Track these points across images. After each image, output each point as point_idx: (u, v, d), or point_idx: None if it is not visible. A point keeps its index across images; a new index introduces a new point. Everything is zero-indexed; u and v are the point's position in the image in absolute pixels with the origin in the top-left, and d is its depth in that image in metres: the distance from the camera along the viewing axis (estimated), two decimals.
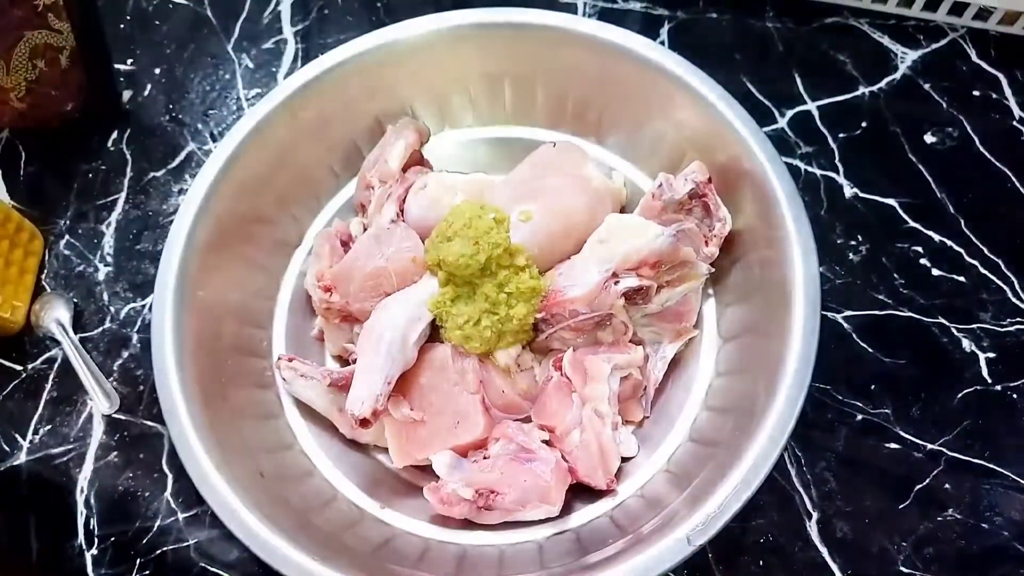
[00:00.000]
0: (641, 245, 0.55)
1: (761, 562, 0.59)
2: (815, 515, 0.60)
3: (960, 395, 0.62)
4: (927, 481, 0.60)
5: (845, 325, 0.65)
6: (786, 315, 0.52)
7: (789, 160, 0.72)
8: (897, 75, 0.75)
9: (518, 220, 0.58)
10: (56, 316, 0.70)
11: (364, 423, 0.54)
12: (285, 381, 0.60)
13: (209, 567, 0.61)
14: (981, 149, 0.71)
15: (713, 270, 0.59)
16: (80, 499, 0.64)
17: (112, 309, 0.72)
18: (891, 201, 0.70)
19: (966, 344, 0.64)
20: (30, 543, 0.63)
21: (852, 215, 0.69)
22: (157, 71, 0.83)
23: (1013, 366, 0.63)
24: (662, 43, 0.78)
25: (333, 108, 0.65)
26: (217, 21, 0.85)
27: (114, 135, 0.80)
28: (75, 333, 0.70)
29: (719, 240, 0.58)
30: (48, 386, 0.69)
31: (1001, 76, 0.74)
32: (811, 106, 0.75)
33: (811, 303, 0.52)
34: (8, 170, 0.79)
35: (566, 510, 0.55)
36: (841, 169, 0.71)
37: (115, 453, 0.66)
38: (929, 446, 0.61)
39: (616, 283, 0.55)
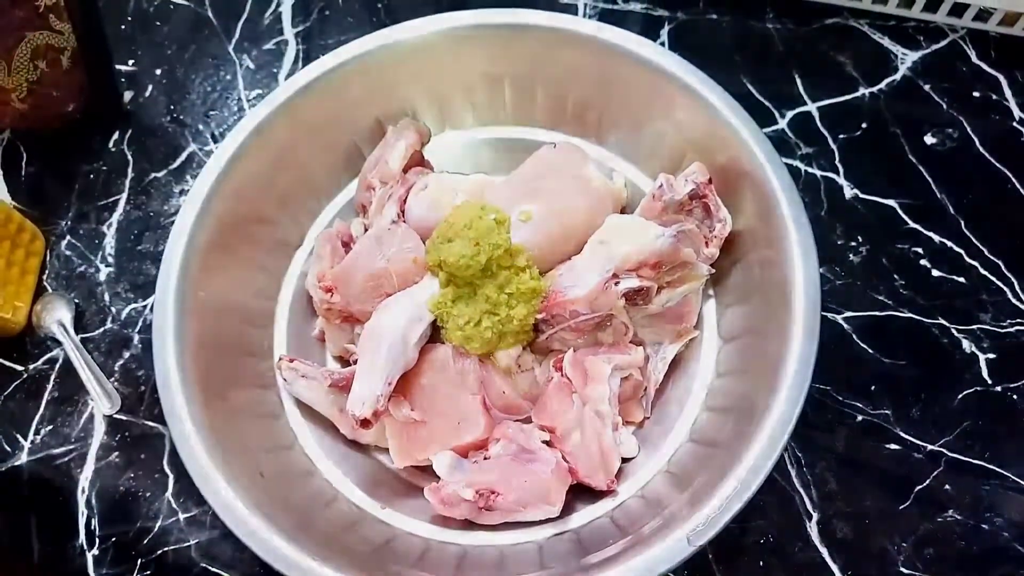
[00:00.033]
0: (641, 246, 0.55)
1: (761, 562, 0.59)
2: (815, 515, 0.60)
3: (960, 396, 0.63)
4: (927, 482, 0.60)
5: (845, 326, 0.65)
6: (786, 316, 0.52)
7: (789, 161, 0.72)
8: (897, 76, 0.75)
9: (519, 221, 0.58)
10: (57, 317, 0.70)
11: (365, 424, 0.54)
12: (286, 381, 0.60)
13: (210, 567, 0.61)
14: (981, 150, 0.71)
15: (713, 271, 0.59)
16: (81, 499, 0.64)
17: (113, 310, 0.72)
18: (891, 202, 0.70)
19: (966, 345, 0.64)
20: (31, 543, 0.63)
21: (852, 216, 0.69)
22: (158, 72, 0.83)
23: (1013, 367, 0.63)
24: (662, 44, 0.78)
25: (334, 109, 0.66)
26: (218, 22, 0.86)
27: (115, 136, 0.80)
28: (76, 333, 0.70)
29: (719, 241, 0.58)
30: (49, 386, 0.69)
31: (1001, 77, 0.74)
32: (811, 107, 0.75)
33: (811, 304, 0.52)
34: (9, 171, 0.79)
35: (566, 511, 0.55)
36: (841, 170, 0.71)
37: (116, 453, 0.66)
38: (929, 447, 0.61)
39: (616, 284, 0.55)
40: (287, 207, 0.66)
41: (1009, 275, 0.66)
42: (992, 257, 0.67)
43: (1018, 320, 0.65)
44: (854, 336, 0.65)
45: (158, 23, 0.86)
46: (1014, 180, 0.70)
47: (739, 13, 0.80)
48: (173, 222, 0.60)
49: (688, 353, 0.61)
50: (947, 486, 0.60)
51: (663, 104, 0.62)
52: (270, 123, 0.63)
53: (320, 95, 0.64)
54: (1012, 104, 0.73)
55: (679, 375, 0.60)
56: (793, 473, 0.61)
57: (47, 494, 0.65)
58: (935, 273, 0.67)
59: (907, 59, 0.76)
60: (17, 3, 0.68)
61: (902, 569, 0.58)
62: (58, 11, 0.72)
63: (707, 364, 0.60)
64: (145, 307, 0.72)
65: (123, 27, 0.86)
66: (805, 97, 0.75)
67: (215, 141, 0.79)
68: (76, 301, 0.72)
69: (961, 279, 0.66)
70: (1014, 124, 0.72)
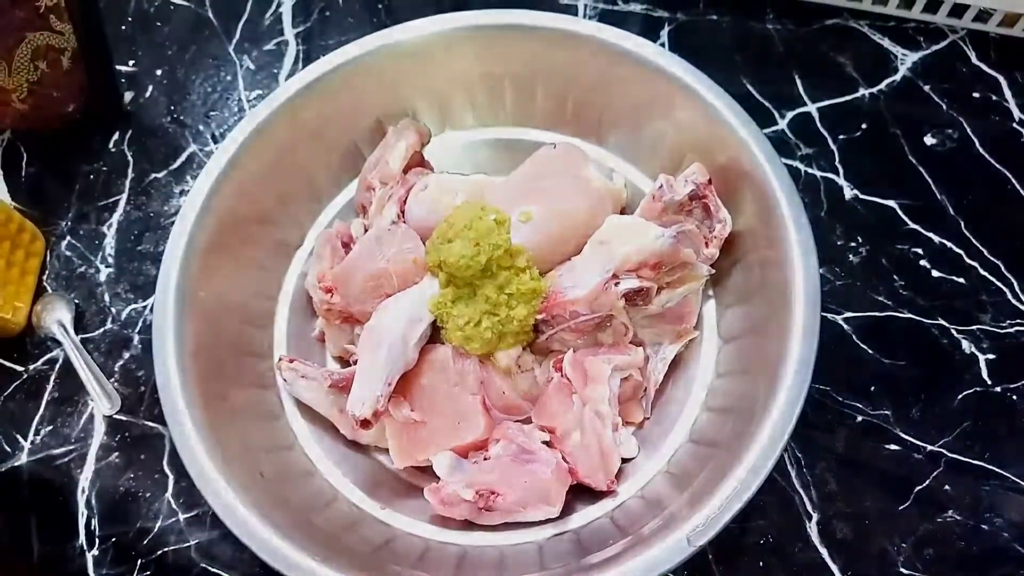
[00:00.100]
0: (641, 246, 0.55)
1: (761, 563, 0.59)
2: (815, 516, 0.60)
3: (960, 396, 0.63)
4: (927, 482, 0.60)
5: (845, 326, 0.65)
6: (786, 316, 0.52)
7: (789, 161, 0.72)
8: (897, 77, 0.75)
9: (519, 221, 0.58)
10: (57, 317, 0.70)
11: (365, 424, 0.54)
12: (286, 382, 0.60)
13: (210, 567, 0.61)
14: (981, 151, 0.71)
15: (713, 271, 0.59)
16: (81, 500, 0.64)
17: (113, 310, 0.72)
18: (891, 202, 0.70)
19: (966, 346, 0.64)
20: (31, 544, 0.63)
21: (852, 216, 0.70)
22: (158, 72, 0.83)
23: (1013, 368, 0.63)
24: (662, 45, 0.78)
25: (334, 110, 0.66)
26: (218, 23, 0.86)
27: (115, 136, 0.80)
28: (76, 334, 0.70)
29: (719, 241, 0.58)
30: (49, 387, 0.69)
31: (1001, 78, 0.74)
32: (811, 108, 0.75)
33: (811, 304, 0.52)
34: (10, 171, 0.79)
35: (566, 511, 0.55)
36: (841, 170, 0.72)
37: (116, 454, 0.66)
38: (929, 447, 0.61)
39: (616, 284, 0.55)
40: (287, 207, 0.66)
41: (1009, 276, 0.66)
42: (992, 258, 0.67)
43: (1018, 321, 0.65)
44: (854, 336, 0.65)
45: (158, 24, 0.86)
46: (1014, 181, 0.70)
47: (739, 14, 0.80)
48: (173, 222, 0.60)
49: (688, 354, 0.61)
50: (947, 486, 0.60)
51: (663, 105, 0.62)
52: (270, 124, 0.63)
53: (320, 96, 0.64)
54: (1012, 105, 0.73)
55: (679, 375, 0.60)
56: (793, 473, 0.61)
57: (47, 494, 0.65)
58: (935, 274, 0.67)
59: (907, 60, 0.76)
60: (18, 3, 0.68)
61: (902, 570, 0.58)
62: (59, 12, 0.72)
63: (707, 364, 0.60)
64: (145, 307, 0.72)
65: (123, 27, 0.86)
66: (805, 98, 0.75)
67: (215, 142, 0.79)
68: (76, 301, 0.72)
69: (961, 280, 0.66)
70: (1014, 125, 0.72)
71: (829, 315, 0.65)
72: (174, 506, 0.63)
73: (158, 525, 0.63)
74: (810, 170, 0.72)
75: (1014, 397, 0.62)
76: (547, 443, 0.56)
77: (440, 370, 0.57)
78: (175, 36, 0.85)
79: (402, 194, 0.63)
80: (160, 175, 0.78)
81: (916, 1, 0.75)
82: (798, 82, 0.76)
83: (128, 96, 0.82)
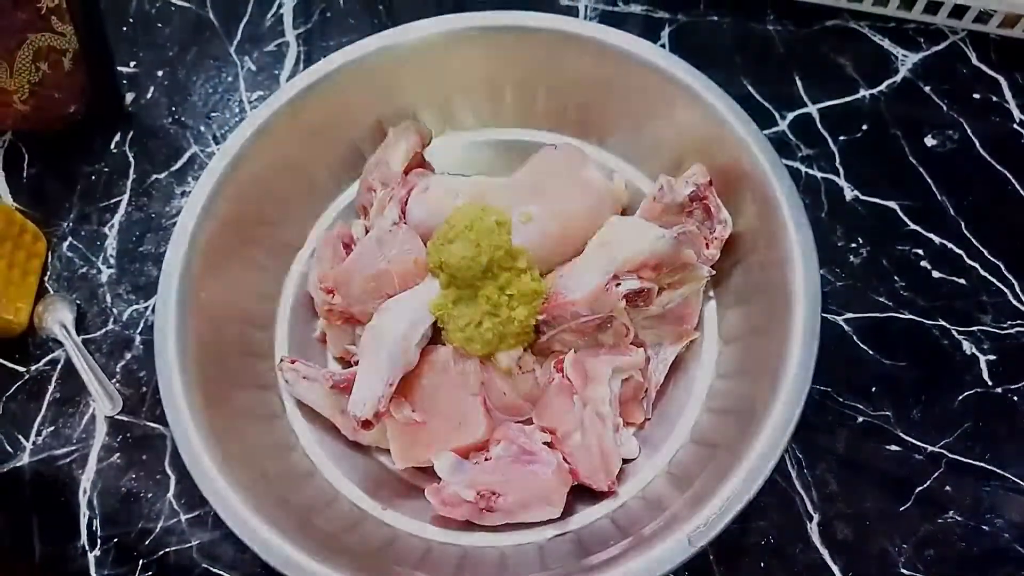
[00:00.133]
0: (642, 247, 0.55)
1: (762, 564, 0.59)
2: (816, 517, 0.60)
3: (960, 397, 0.63)
4: (928, 483, 0.60)
5: (846, 327, 0.65)
6: (787, 317, 0.53)
7: (790, 162, 0.72)
8: (897, 78, 0.75)
9: (519, 222, 0.58)
10: (59, 318, 0.71)
11: (366, 425, 0.54)
12: (287, 383, 0.61)
13: (211, 568, 0.61)
14: (981, 152, 0.71)
15: (714, 272, 0.59)
16: (83, 500, 0.64)
17: (115, 311, 0.72)
18: (891, 203, 0.70)
19: (966, 346, 0.64)
20: (33, 544, 0.63)
21: (853, 217, 0.70)
22: (160, 73, 0.83)
23: (1013, 368, 0.63)
24: (663, 46, 0.78)
25: (335, 111, 0.66)
26: (219, 24, 0.86)
27: (117, 137, 0.80)
28: (78, 335, 0.70)
29: (720, 242, 0.58)
30: (51, 388, 0.69)
31: (1001, 79, 0.74)
32: (812, 109, 0.75)
33: (812, 305, 0.52)
34: (11, 172, 0.79)
35: (567, 512, 0.55)
36: (842, 171, 0.72)
37: (118, 454, 0.66)
38: (930, 448, 0.61)
39: (617, 285, 0.55)
40: (288, 209, 0.66)
41: (1009, 276, 0.66)
42: (992, 259, 0.67)
43: (1018, 321, 0.65)
44: (854, 337, 0.65)
45: (159, 25, 0.86)
46: (1014, 182, 0.70)
47: (739, 15, 0.80)
48: (175, 223, 0.60)
49: (689, 354, 0.61)
50: (947, 487, 0.60)
51: (664, 106, 0.62)
52: (271, 125, 0.63)
53: (321, 97, 0.64)
54: (1012, 106, 0.73)
55: (680, 376, 0.60)
56: (794, 474, 0.61)
57: (49, 495, 0.65)
58: (935, 274, 0.67)
59: (907, 61, 0.76)
60: (19, 5, 0.68)
61: (903, 570, 0.58)
62: (60, 13, 0.72)
63: (708, 365, 0.60)
64: (147, 308, 0.72)
65: (125, 29, 0.86)
66: (805, 99, 0.75)
67: (216, 143, 0.79)
68: (78, 302, 0.72)
69: (961, 280, 0.66)
70: (1014, 126, 0.72)
71: (830, 316, 0.65)
72: (176, 506, 0.64)
73: (160, 525, 0.63)
74: (811, 171, 0.72)
75: (1015, 398, 0.62)
76: (548, 444, 0.56)
77: (441, 371, 0.58)
78: (176, 37, 0.85)
79: (403, 195, 0.63)
80: (161, 176, 0.78)
81: (916, 2, 0.75)
82: (798, 83, 0.76)
83: (129, 97, 0.82)
